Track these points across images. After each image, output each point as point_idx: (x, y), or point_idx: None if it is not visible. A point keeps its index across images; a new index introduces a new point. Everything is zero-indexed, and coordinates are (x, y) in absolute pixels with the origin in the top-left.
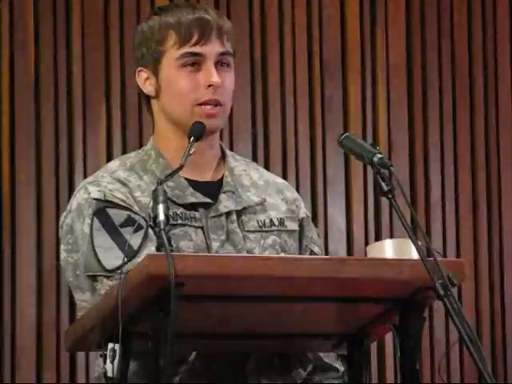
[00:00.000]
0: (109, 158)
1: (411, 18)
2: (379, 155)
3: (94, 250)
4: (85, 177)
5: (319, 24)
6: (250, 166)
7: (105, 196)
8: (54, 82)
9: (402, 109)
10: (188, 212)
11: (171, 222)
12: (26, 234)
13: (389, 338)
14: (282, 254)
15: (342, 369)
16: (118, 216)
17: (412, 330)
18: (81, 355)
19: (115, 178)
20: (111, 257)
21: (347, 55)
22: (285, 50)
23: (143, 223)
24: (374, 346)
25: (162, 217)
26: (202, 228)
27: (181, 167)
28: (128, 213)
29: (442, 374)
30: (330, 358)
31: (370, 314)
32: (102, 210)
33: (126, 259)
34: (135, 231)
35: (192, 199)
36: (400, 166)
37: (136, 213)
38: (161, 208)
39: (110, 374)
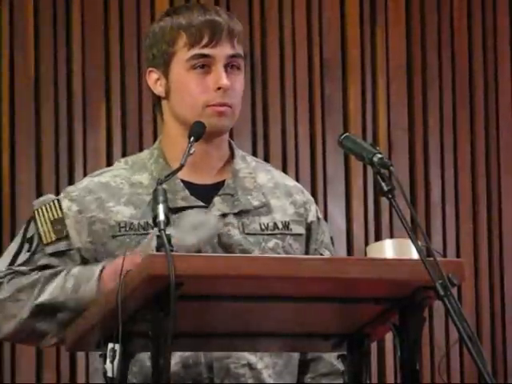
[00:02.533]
0: (109, 158)
1: (411, 18)
2: (379, 155)
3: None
4: (84, 177)
5: (319, 25)
6: (260, 167)
7: (38, 208)
8: (54, 82)
9: (402, 111)
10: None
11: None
12: None
13: (389, 337)
14: None
15: (341, 369)
16: (31, 230)
17: (412, 329)
18: (81, 355)
19: (92, 185)
20: (2, 261)
21: (347, 56)
22: (285, 51)
23: (36, 240)
24: (374, 346)
25: (162, 217)
26: None
27: (181, 167)
28: (36, 229)
29: (441, 373)
30: (333, 358)
31: (370, 313)
32: (29, 221)
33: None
34: (28, 249)
35: (182, 203)
36: (400, 168)
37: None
38: (161, 208)
39: (109, 374)
